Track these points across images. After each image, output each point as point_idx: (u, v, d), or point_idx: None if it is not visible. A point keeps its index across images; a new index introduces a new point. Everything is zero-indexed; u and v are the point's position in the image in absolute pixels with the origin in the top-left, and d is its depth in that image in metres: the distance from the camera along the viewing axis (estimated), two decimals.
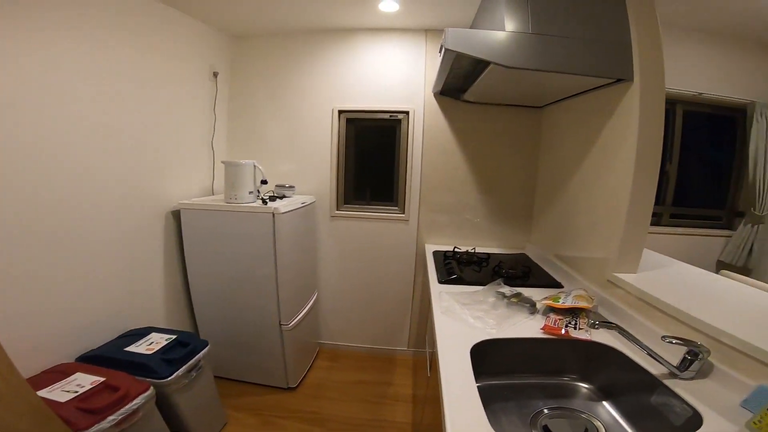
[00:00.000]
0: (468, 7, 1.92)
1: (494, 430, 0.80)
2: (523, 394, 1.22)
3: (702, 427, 0.84)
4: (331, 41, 2.47)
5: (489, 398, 1.18)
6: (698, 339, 1.03)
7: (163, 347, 1.62)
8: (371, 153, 2.64)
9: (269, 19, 2.26)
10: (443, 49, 1.41)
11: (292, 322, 2.15)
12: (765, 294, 1.35)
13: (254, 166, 2.10)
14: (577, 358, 1.27)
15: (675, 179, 2.70)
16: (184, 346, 1.66)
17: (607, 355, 1.21)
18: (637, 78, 1.37)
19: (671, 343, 1.01)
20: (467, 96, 2.09)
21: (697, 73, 2.56)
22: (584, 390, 1.24)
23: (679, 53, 2.54)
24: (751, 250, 2.60)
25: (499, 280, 1.57)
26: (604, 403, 1.19)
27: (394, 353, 2.79)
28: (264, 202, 2.05)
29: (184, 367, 1.60)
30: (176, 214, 2.11)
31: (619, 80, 1.43)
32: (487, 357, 1.21)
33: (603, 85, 1.55)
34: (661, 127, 1.35)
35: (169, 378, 1.53)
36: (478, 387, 1.04)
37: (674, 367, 1.03)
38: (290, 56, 2.52)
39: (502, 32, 1.35)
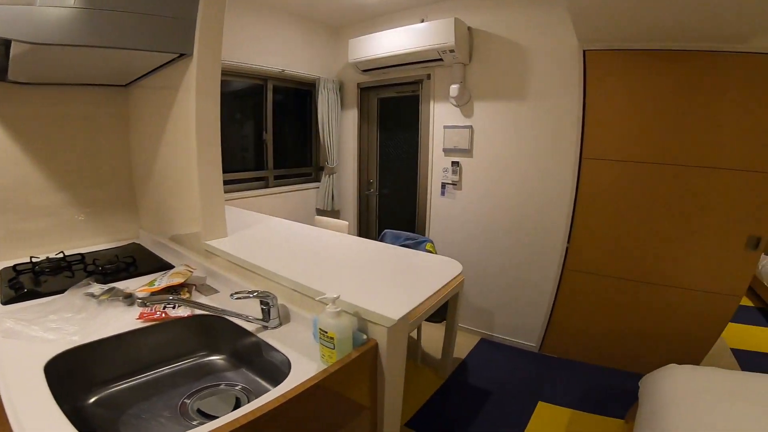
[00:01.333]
0: None
1: None
2: (163, 387, 1.22)
3: (291, 369, 1.03)
4: None
5: (124, 403, 1.14)
6: (272, 288, 1.29)
7: None
8: None
9: None
10: None
11: None
12: (323, 231, 1.91)
13: None
14: (197, 334, 1.36)
15: (272, 146, 3.28)
16: None
17: (219, 324, 1.34)
18: (196, 53, 1.51)
19: (239, 298, 1.20)
20: (13, 76, 1.71)
21: (281, 52, 3.15)
22: (220, 362, 1.35)
23: (268, 34, 3.02)
24: (333, 196, 3.57)
25: (86, 280, 1.46)
26: (242, 369, 1.31)
27: None
28: None
29: None
30: None
31: (182, 55, 1.53)
32: (90, 366, 1.14)
33: (171, 61, 1.62)
34: (217, 99, 1.58)
35: None
36: (101, 397, 1.08)
37: (260, 320, 1.25)
38: None
39: (30, 7, 1.16)
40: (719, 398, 1.54)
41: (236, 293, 1.21)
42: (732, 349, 3.01)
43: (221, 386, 1.25)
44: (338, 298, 1.07)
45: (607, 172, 2.41)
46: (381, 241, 2.76)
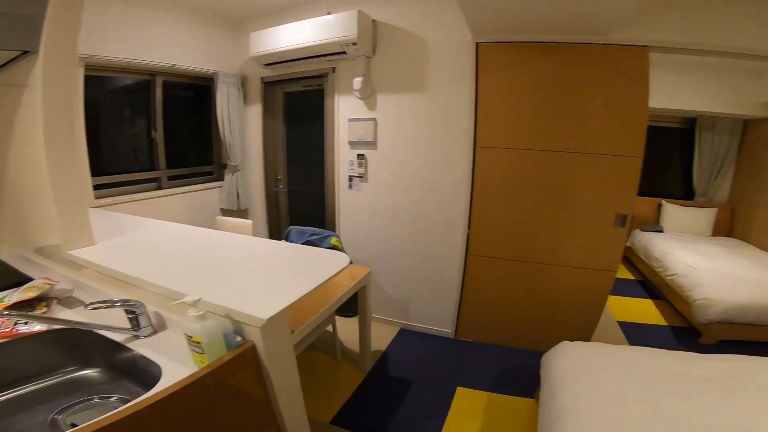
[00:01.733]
0: None
1: None
2: (28, 404, 1.17)
3: (162, 376, 1.03)
4: None
5: None
6: (143, 296, 1.26)
7: None
8: None
9: None
10: None
11: None
12: (204, 230, 1.87)
13: None
14: (62, 349, 1.30)
15: (164, 144, 3.12)
16: None
17: (86, 337, 1.28)
18: (43, 49, 1.41)
19: (96, 309, 1.17)
20: None
21: (172, 46, 3.02)
22: (95, 375, 1.30)
23: (156, 26, 2.88)
24: (238, 194, 3.48)
25: None
26: (123, 381, 1.27)
27: None
28: None
29: None
30: None
31: (26, 52, 1.43)
32: None
33: (16, 58, 1.51)
34: (71, 97, 1.50)
35: None
36: None
37: (129, 329, 1.22)
38: None
39: None
40: (605, 373, 1.72)
41: (91, 304, 1.18)
42: (618, 322, 3.38)
43: (94, 399, 1.21)
44: (199, 300, 1.06)
45: (497, 160, 2.60)
46: (286, 238, 2.75)
